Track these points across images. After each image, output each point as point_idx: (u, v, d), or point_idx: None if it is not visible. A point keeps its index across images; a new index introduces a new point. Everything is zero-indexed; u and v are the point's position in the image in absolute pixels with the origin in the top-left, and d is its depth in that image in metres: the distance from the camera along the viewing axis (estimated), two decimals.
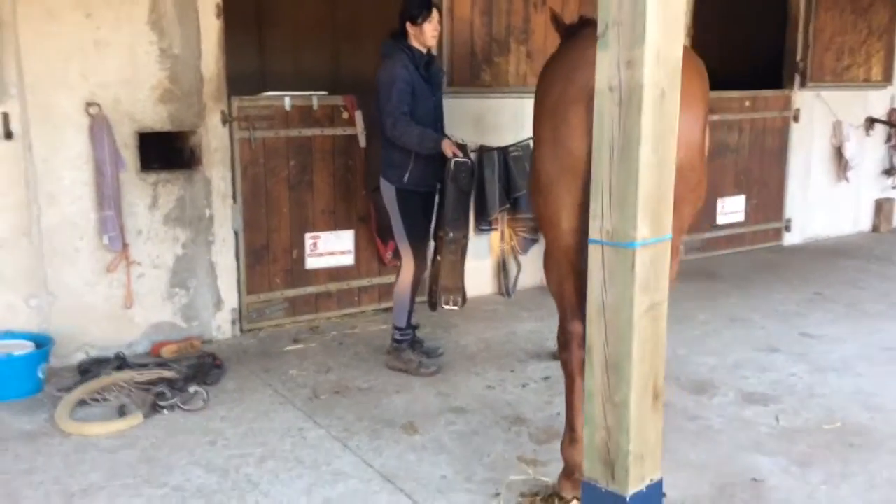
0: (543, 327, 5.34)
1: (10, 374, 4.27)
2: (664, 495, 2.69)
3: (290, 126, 5.33)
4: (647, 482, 2.38)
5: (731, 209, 7.62)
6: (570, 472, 3.22)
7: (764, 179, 7.73)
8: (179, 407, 4.14)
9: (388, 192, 4.61)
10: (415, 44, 4.55)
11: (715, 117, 6.84)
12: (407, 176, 4.50)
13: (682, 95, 2.93)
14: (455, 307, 4.65)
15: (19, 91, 4.49)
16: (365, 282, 5.74)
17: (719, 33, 9.03)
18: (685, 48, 3.15)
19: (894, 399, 4.28)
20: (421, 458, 3.63)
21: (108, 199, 4.70)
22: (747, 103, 7.44)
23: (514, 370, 4.74)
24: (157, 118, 4.90)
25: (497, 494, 3.30)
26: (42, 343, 4.50)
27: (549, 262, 3.34)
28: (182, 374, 4.50)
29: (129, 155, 4.84)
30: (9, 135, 4.48)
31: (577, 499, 3.18)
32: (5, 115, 4.46)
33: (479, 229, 6.09)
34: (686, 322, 5.62)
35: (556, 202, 3.12)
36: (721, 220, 7.56)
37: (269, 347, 5.13)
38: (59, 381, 4.47)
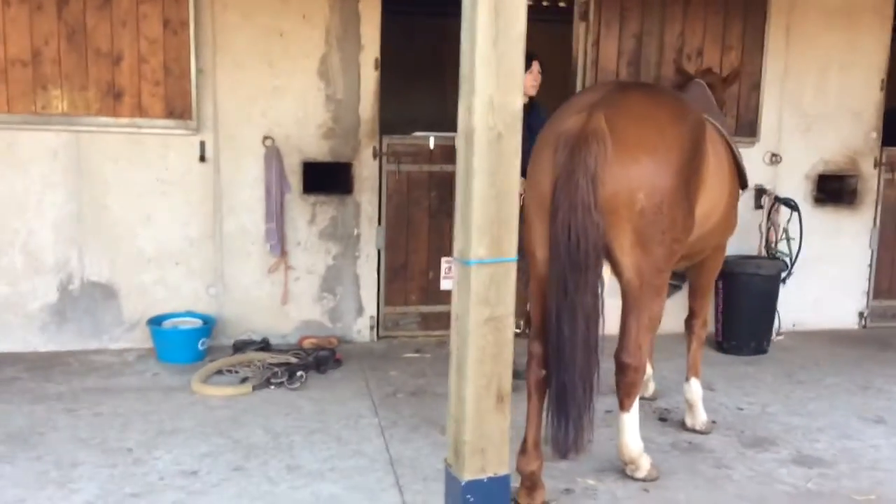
0: None
1: (176, 343, 5.49)
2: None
3: (433, 162, 6.10)
4: (490, 474, 2.73)
5: None
6: (522, 480, 3.55)
7: None
8: (285, 385, 5.04)
9: None
10: None
11: None
12: None
13: (643, 145, 3.26)
14: (517, 330, 5.05)
15: (213, 125, 5.75)
16: None
17: None
18: (665, 104, 3.44)
19: None
20: (433, 452, 4.13)
21: (272, 214, 5.81)
22: None
23: None
24: (319, 151, 5.94)
25: None
26: (208, 323, 5.69)
27: (530, 288, 3.72)
28: (304, 361, 5.41)
29: (295, 180, 5.92)
30: (203, 158, 5.75)
31: None
32: (202, 143, 5.74)
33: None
34: (809, 384, 5.46)
35: (532, 234, 3.52)
36: None
37: (391, 353, 5.89)
38: (218, 353, 5.62)
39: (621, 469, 3.90)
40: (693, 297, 4.58)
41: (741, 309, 6.05)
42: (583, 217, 3.27)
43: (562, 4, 8.13)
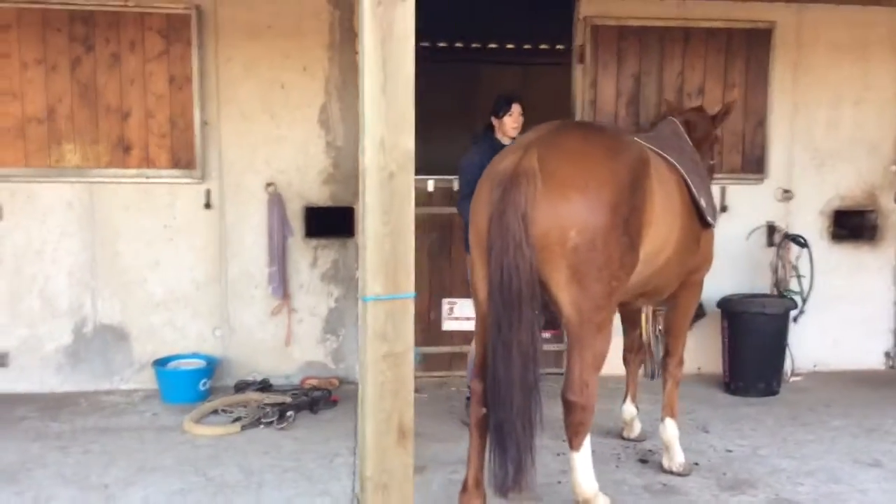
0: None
1: (177, 383, 5.69)
2: None
3: (433, 205, 6.20)
4: None
5: None
6: None
7: None
8: (274, 425, 5.15)
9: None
10: (498, 135, 5.15)
11: None
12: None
13: (574, 183, 3.30)
14: None
15: (219, 174, 6.00)
16: None
17: None
18: (600, 142, 3.48)
19: None
20: None
21: (274, 257, 5.99)
22: None
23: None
24: (320, 196, 6.12)
25: None
26: (210, 364, 5.87)
27: (475, 327, 3.75)
28: (299, 401, 5.52)
29: (297, 224, 6.10)
30: (209, 205, 6.00)
31: None
32: (208, 191, 5.99)
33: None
34: (812, 426, 5.30)
35: (474, 272, 3.58)
36: None
37: None
38: (221, 394, 5.79)
39: None
40: (667, 335, 4.53)
41: (747, 349, 5.90)
42: (514, 255, 3.30)
43: (559, 47, 8.19)
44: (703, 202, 4.07)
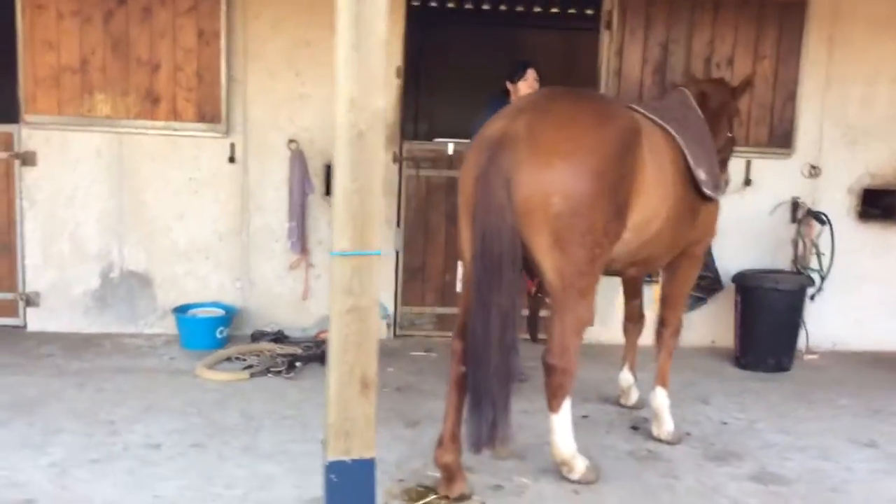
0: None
1: (195, 330, 5.89)
2: None
3: (453, 168, 6.25)
4: (354, 457, 2.88)
5: None
6: (440, 471, 3.66)
7: None
8: (282, 374, 5.33)
9: None
10: (512, 99, 5.17)
11: None
12: None
13: (558, 150, 3.34)
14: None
15: (243, 129, 6.14)
16: None
17: None
18: (590, 110, 3.50)
19: None
20: (386, 444, 4.25)
21: (294, 213, 6.13)
22: None
23: None
24: None
25: (401, 480, 3.86)
26: (229, 313, 6.07)
27: (462, 288, 3.82)
28: (310, 353, 5.68)
29: (318, 181, 6.22)
30: (233, 160, 6.15)
31: (448, 497, 3.63)
32: (232, 145, 6.14)
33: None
34: (817, 404, 5.27)
35: (462, 234, 3.64)
36: None
37: (402, 350, 6.09)
38: (238, 342, 5.99)
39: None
40: (663, 306, 4.53)
41: (759, 324, 5.87)
42: (497, 219, 3.36)
43: (589, 12, 8.08)
44: (702, 174, 4.04)
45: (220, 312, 6.07)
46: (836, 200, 6.48)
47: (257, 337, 6.06)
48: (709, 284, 6.34)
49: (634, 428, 4.69)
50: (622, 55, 6.18)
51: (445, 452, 3.59)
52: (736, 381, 5.68)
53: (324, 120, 6.15)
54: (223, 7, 5.91)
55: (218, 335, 5.93)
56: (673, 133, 3.99)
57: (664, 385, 4.45)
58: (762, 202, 6.40)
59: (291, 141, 6.14)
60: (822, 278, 6.16)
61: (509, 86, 5.17)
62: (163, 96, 5.99)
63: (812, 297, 6.16)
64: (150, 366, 5.49)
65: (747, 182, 6.36)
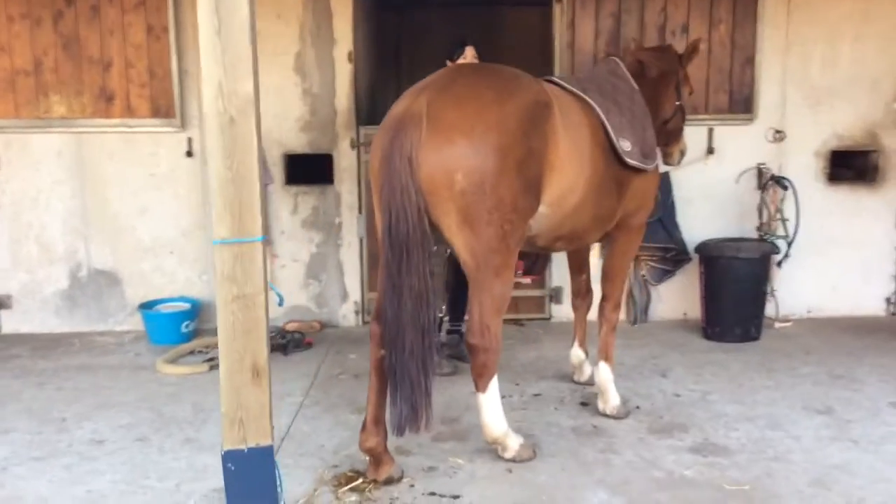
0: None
1: (160, 325, 5.95)
2: None
3: None
4: (251, 445, 2.89)
5: None
6: (367, 456, 3.67)
7: None
8: None
9: None
10: None
11: None
12: None
13: (459, 126, 3.32)
14: (439, 314, 5.10)
15: (199, 122, 6.16)
16: None
17: None
18: (493, 85, 3.46)
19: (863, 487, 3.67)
20: (331, 430, 4.30)
21: None
22: None
23: (520, 384, 5.01)
24: (299, 143, 6.23)
25: (335, 466, 3.87)
26: (194, 306, 6.12)
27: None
28: (273, 343, 5.71)
29: (277, 172, 6.23)
30: (190, 154, 6.18)
31: (376, 480, 3.64)
32: (189, 139, 6.17)
33: None
34: (778, 373, 5.20)
35: (376, 218, 3.63)
36: None
37: (367, 337, 6.05)
38: (206, 336, 6.03)
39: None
40: (604, 279, 4.49)
41: (723, 294, 5.80)
42: (401, 198, 3.34)
43: None
44: (626, 145, 3.98)
45: (185, 307, 6.11)
46: (804, 164, 6.38)
47: None
48: (675, 256, 6.28)
49: (584, 404, 4.66)
50: (574, 28, 6.11)
51: (369, 437, 3.60)
52: (700, 353, 5.63)
53: (278, 109, 6.18)
54: (170, 2, 5.92)
55: (184, 329, 5.98)
56: (592, 104, 3.94)
57: (607, 360, 4.42)
58: (727, 170, 6.32)
59: None
60: (789, 244, 6.07)
61: (449, 64, 5.12)
62: (116, 94, 6.02)
63: (779, 264, 6.08)
64: (114, 363, 5.56)
65: (710, 150, 6.28)
